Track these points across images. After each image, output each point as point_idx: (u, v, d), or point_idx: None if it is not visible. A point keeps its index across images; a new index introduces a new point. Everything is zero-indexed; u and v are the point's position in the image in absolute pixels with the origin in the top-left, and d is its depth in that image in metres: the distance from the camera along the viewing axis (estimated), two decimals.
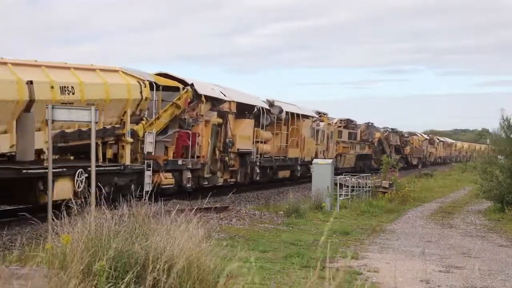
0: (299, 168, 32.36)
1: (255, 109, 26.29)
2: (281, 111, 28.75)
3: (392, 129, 55.07)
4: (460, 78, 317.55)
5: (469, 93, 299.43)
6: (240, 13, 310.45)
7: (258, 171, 26.77)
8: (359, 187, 22.18)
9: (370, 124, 50.18)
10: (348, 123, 44.60)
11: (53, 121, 10.99)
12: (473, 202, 24.17)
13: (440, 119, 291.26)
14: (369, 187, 22.87)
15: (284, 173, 30.92)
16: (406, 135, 60.41)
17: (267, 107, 27.78)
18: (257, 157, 26.48)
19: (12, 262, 8.53)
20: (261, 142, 27.04)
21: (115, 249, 5.23)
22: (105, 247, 5.27)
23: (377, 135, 50.74)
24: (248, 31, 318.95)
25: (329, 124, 39.22)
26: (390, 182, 23.52)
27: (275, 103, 28.77)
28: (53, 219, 9.25)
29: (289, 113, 30.17)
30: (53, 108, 10.86)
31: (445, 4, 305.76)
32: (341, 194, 20.05)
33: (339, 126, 42.94)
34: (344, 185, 21.04)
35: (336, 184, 20.27)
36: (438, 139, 77.92)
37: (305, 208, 17.00)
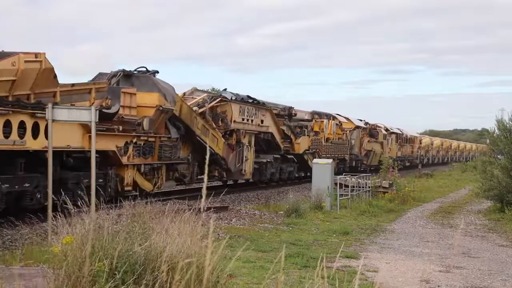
0: None
1: None
2: None
3: (237, 95, 24.33)
4: (460, 78, 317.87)
5: (469, 93, 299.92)
6: (240, 13, 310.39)
7: None
8: (359, 187, 22.17)
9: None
10: None
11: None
12: (473, 202, 24.16)
13: (440, 119, 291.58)
14: (369, 187, 22.86)
15: None
16: (306, 117, 33.80)
17: None
18: None
19: (12, 262, 8.53)
20: None
21: (114, 249, 5.23)
22: (104, 247, 5.27)
23: (151, 99, 18.05)
24: (248, 31, 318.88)
25: None
26: (390, 182, 23.53)
27: None
28: (53, 219, 9.25)
29: None
30: (53, 108, 10.87)
31: (445, 4, 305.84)
32: (341, 194, 20.05)
33: None
34: (344, 185, 21.04)
35: (336, 184, 20.27)
36: (388, 130, 49.95)
37: (305, 208, 17.01)
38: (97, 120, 10.94)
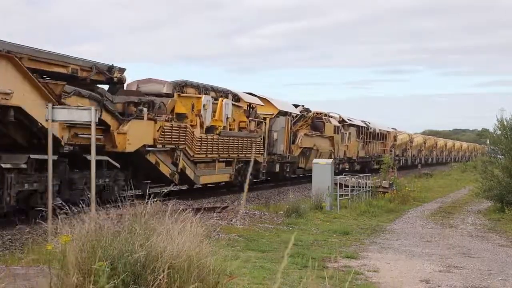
0: None
1: None
2: None
3: None
4: (460, 78, 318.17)
5: (469, 93, 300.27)
6: (240, 13, 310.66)
7: None
8: (359, 187, 22.17)
9: None
10: None
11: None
12: (473, 202, 24.16)
13: (440, 119, 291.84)
14: (369, 187, 22.86)
15: None
16: (165, 90, 19.01)
17: None
18: None
19: (12, 262, 8.53)
20: None
21: (114, 249, 5.22)
22: (105, 247, 5.26)
23: None
24: (248, 31, 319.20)
25: None
26: (390, 182, 23.53)
27: None
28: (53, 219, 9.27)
29: None
30: (53, 108, 10.85)
31: (445, 4, 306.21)
32: (341, 194, 20.04)
33: None
34: (344, 185, 21.03)
35: (336, 184, 20.26)
36: (345, 121, 37.88)
37: (305, 208, 16.99)
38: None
